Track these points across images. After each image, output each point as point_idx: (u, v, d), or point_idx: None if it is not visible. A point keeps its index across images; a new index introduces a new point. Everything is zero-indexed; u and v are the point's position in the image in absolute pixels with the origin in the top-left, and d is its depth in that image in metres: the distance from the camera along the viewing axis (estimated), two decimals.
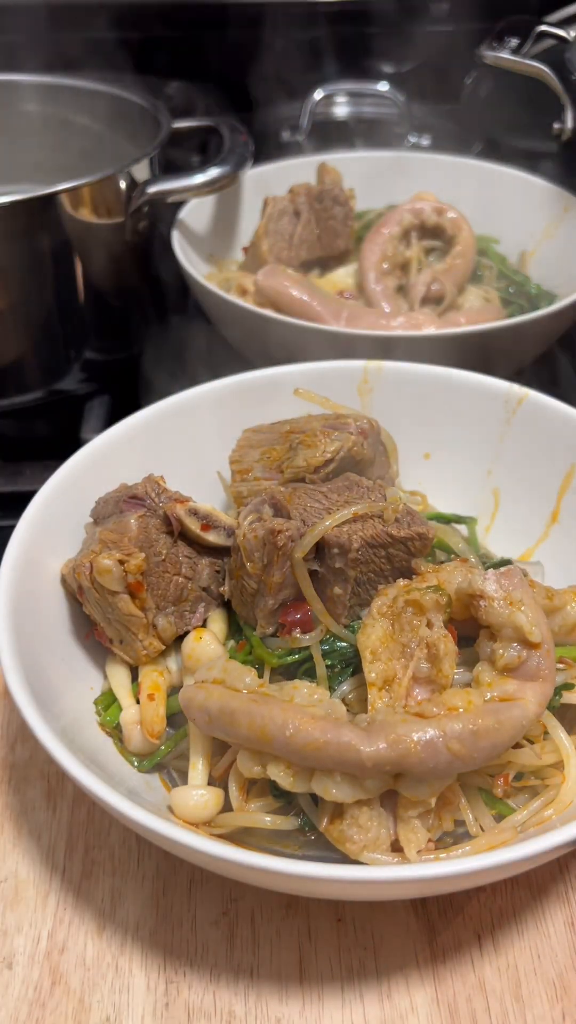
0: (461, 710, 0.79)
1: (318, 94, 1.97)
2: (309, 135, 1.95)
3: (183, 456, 1.13)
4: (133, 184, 1.39)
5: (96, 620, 0.96)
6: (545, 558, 1.09)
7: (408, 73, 2.06)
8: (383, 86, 2.00)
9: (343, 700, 0.88)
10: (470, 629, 0.89)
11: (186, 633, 0.97)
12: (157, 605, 0.95)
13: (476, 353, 1.30)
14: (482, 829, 0.84)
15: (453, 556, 1.01)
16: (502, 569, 0.87)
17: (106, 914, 0.89)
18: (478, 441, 1.17)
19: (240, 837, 0.87)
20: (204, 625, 0.99)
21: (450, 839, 0.84)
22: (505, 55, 1.55)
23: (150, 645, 0.95)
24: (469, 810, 0.84)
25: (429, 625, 0.86)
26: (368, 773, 0.77)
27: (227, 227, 1.68)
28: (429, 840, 0.81)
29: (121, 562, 0.91)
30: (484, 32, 1.61)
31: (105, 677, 0.99)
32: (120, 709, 0.94)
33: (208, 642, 0.94)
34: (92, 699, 0.97)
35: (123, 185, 1.38)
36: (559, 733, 0.87)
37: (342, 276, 1.57)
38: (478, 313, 1.45)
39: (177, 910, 0.89)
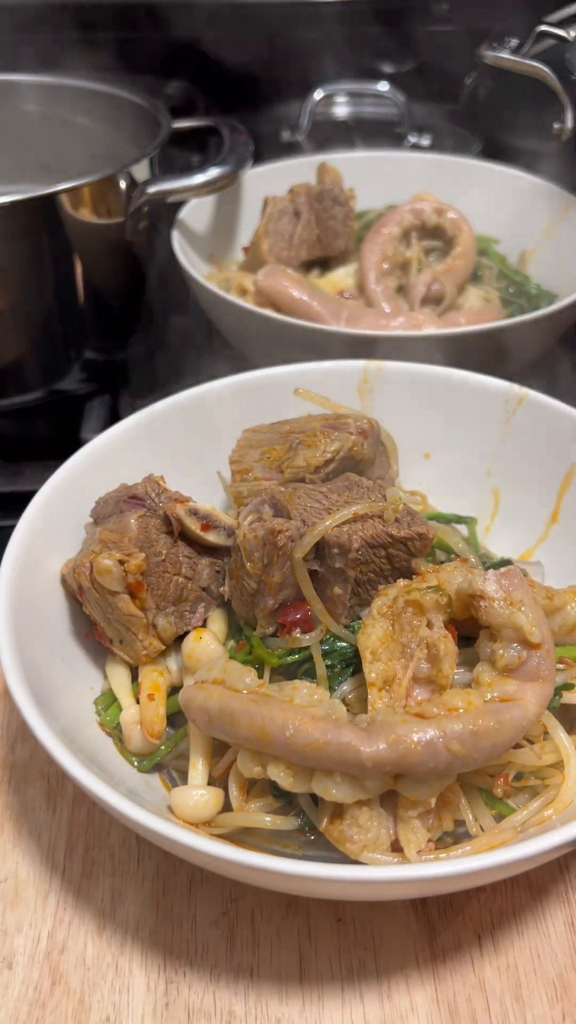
0: (461, 710, 0.79)
1: (318, 94, 1.97)
2: (309, 135, 1.95)
3: (183, 456, 1.13)
4: (133, 184, 1.39)
5: (96, 620, 0.96)
6: (545, 558, 1.09)
7: (408, 73, 2.06)
8: (383, 86, 2.00)
9: (343, 700, 0.88)
10: (470, 629, 0.89)
11: (186, 633, 0.97)
12: (157, 605, 0.95)
13: (476, 353, 1.30)
14: (482, 829, 0.84)
15: (453, 556, 1.01)
16: (502, 569, 0.87)
17: (106, 914, 0.89)
18: (478, 441, 1.17)
19: (240, 837, 0.87)
20: (204, 625, 0.99)
21: (450, 839, 0.84)
22: (505, 55, 1.55)
23: (150, 645, 0.95)
24: (469, 810, 0.84)
25: (429, 625, 0.86)
26: (368, 774, 0.77)
27: (227, 227, 1.68)
28: (429, 840, 0.81)
29: (121, 562, 0.91)
30: (484, 32, 1.61)
31: (105, 677, 0.99)
32: (120, 709, 0.94)
33: (208, 642, 0.94)
34: (92, 699, 0.97)
35: (123, 185, 1.38)
36: (559, 733, 0.87)
37: (342, 276, 1.57)
38: (478, 313, 1.45)
39: (177, 910, 0.89)
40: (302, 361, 1.20)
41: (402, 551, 0.93)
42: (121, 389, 1.52)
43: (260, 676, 0.87)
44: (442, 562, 0.97)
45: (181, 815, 0.86)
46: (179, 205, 1.56)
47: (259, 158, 1.64)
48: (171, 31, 1.95)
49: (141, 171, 1.41)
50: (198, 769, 0.89)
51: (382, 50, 2.03)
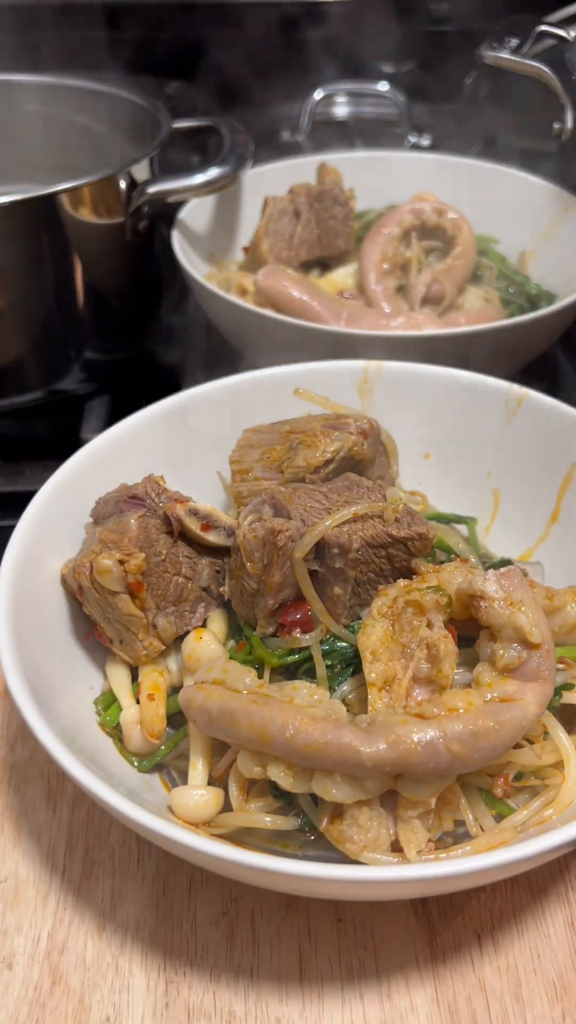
0: (461, 711, 0.79)
1: (318, 94, 1.97)
2: (309, 135, 1.96)
3: (183, 456, 1.13)
4: (133, 184, 1.39)
5: (96, 620, 0.96)
6: (545, 558, 1.09)
7: (408, 73, 2.06)
8: (383, 86, 2.00)
9: (343, 700, 0.88)
10: (470, 629, 0.89)
11: (186, 633, 0.97)
12: (157, 605, 0.95)
13: (476, 353, 1.30)
14: (482, 829, 0.84)
15: (453, 556, 1.01)
16: (502, 569, 0.87)
17: (106, 914, 0.89)
18: (478, 441, 1.17)
19: (240, 837, 0.87)
20: (204, 625, 0.99)
21: (450, 839, 0.84)
22: (505, 55, 1.55)
23: (150, 645, 0.95)
24: (469, 810, 0.84)
25: (429, 625, 0.86)
26: (368, 774, 0.77)
27: (227, 227, 1.68)
28: (429, 840, 0.81)
29: (121, 562, 0.91)
30: (484, 32, 1.61)
31: (105, 677, 0.99)
32: (120, 709, 0.94)
33: (208, 642, 0.94)
34: (92, 699, 0.97)
35: (123, 185, 1.38)
36: (559, 733, 0.87)
37: (342, 276, 1.57)
38: (478, 313, 1.46)
39: (177, 910, 0.89)
40: (302, 361, 1.20)
41: (402, 551, 0.93)
42: (121, 389, 1.52)
43: (260, 676, 0.87)
44: (442, 562, 0.97)
45: (181, 815, 0.86)
46: (179, 205, 1.56)
47: (259, 158, 1.64)
48: (171, 31, 1.96)
49: (141, 171, 1.41)
50: (198, 769, 0.89)
51: (382, 50, 2.04)
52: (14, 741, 1.04)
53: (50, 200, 1.29)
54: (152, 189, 1.40)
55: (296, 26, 1.97)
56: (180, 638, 0.97)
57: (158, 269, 1.58)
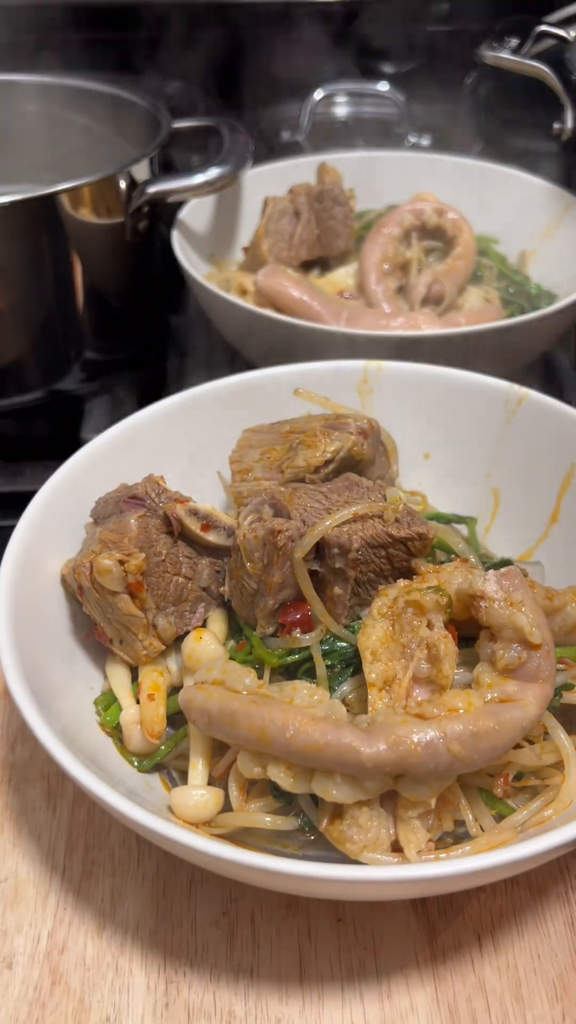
0: (461, 711, 0.79)
1: (318, 94, 1.97)
2: (309, 135, 1.95)
3: (183, 456, 1.13)
4: (133, 184, 1.39)
5: (96, 620, 0.96)
6: (545, 558, 1.09)
7: (408, 73, 2.06)
8: (383, 86, 2.00)
9: (343, 701, 0.88)
10: (470, 629, 0.89)
11: (186, 633, 0.97)
12: (157, 605, 0.95)
13: (476, 353, 1.30)
14: (482, 829, 0.84)
15: (453, 556, 1.01)
16: (502, 570, 0.87)
17: (106, 914, 0.89)
18: (478, 441, 1.17)
19: (240, 837, 0.87)
20: (204, 625, 0.99)
21: (450, 839, 0.84)
22: (505, 55, 1.55)
23: (150, 645, 0.95)
24: (469, 810, 0.84)
25: (429, 626, 0.86)
26: (368, 774, 0.77)
27: (227, 227, 1.68)
28: (429, 840, 0.81)
29: (121, 562, 0.91)
30: (484, 32, 1.61)
31: (105, 677, 0.99)
32: (120, 709, 0.94)
33: (208, 642, 0.94)
34: (92, 699, 0.97)
35: (123, 185, 1.38)
36: (559, 733, 0.87)
37: (342, 276, 1.57)
38: (478, 313, 1.46)
39: (177, 910, 0.89)
40: (302, 361, 1.20)
41: (402, 551, 0.93)
42: (121, 389, 1.52)
43: (260, 676, 0.87)
44: (442, 562, 0.97)
45: (181, 815, 0.86)
46: (179, 205, 1.56)
47: (259, 158, 1.64)
48: (171, 31, 1.95)
49: (141, 171, 1.41)
50: (198, 769, 0.89)
51: (382, 50, 2.04)
52: (14, 741, 1.04)
53: (50, 200, 1.29)
54: (152, 189, 1.40)
55: (296, 26, 1.97)
56: (180, 638, 0.97)
57: (158, 269, 1.58)
